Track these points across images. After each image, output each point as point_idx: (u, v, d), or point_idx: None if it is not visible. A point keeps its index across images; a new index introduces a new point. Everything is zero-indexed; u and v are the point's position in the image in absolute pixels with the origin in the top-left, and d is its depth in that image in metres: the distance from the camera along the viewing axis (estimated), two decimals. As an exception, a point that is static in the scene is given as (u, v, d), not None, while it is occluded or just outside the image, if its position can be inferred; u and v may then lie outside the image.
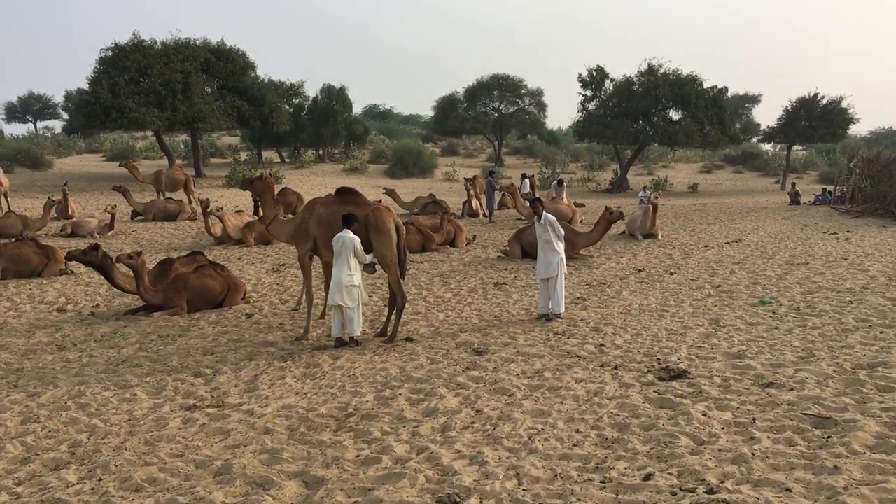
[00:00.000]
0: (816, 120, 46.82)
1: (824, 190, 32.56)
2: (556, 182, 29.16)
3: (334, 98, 53.95)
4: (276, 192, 12.34)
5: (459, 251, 18.40)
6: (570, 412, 6.60)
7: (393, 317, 9.99)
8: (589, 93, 46.10)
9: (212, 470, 5.66)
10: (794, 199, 31.75)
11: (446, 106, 62.55)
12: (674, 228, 22.51)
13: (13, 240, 16.66)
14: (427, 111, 78.75)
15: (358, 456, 5.82)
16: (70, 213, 23.66)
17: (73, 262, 15.62)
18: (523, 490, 5.06)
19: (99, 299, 13.19)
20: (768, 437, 5.68)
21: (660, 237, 19.85)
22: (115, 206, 21.88)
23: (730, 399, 6.67)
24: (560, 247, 10.91)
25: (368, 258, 9.50)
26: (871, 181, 27.35)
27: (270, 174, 11.75)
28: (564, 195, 26.70)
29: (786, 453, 5.35)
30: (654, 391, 7.06)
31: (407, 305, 10.29)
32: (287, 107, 50.00)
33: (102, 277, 12.47)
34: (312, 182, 40.06)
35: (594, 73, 45.67)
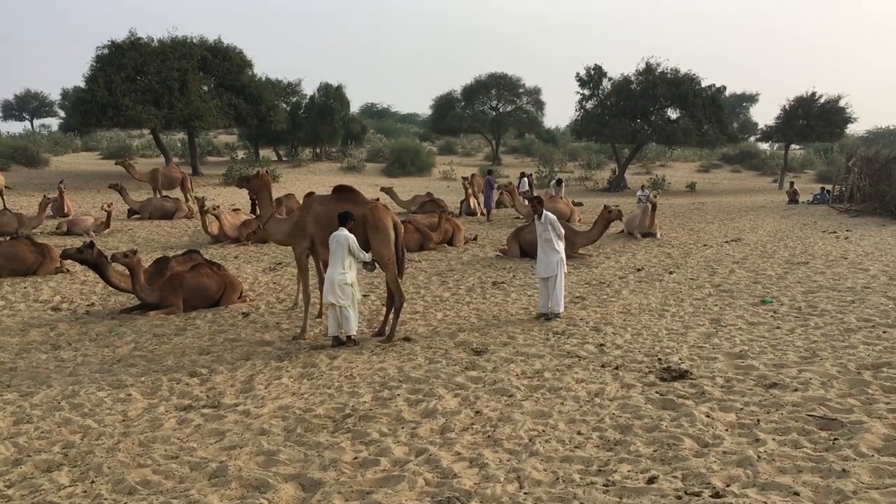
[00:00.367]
0: (814, 119, 46.76)
1: (823, 189, 32.49)
2: (555, 181, 29.13)
3: (332, 97, 53.83)
4: (276, 196, 12.23)
5: (457, 250, 18.30)
6: (571, 413, 6.50)
7: (391, 316, 9.88)
8: (587, 92, 46.01)
9: (207, 472, 5.55)
10: (793, 198, 31.70)
11: (444, 105, 62.46)
12: (672, 227, 22.43)
13: (8, 238, 16.53)
14: (424, 110, 78.81)
15: (356, 458, 5.72)
16: (66, 211, 23.52)
17: (69, 261, 15.55)
18: (525, 493, 4.96)
19: (94, 298, 13.07)
20: (773, 439, 5.59)
21: (658, 236, 19.78)
22: (112, 203, 21.74)
23: (733, 400, 6.57)
24: (560, 246, 10.81)
25: (367, 256, 9.40)
26: (869, 180, 27.28)
27: (267, 172, 11.61)
28: (563, 194, 26.62)
29: (792, 456, 5.26)
30: (656, 392, 6.96)
31: (405, 305, 10.18)
32: (284, 105, 49.92)
33: (97, 276, 12.34)
34: (310, 181, 39.92)
35: (592, 72, 45.58)
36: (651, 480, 4.98)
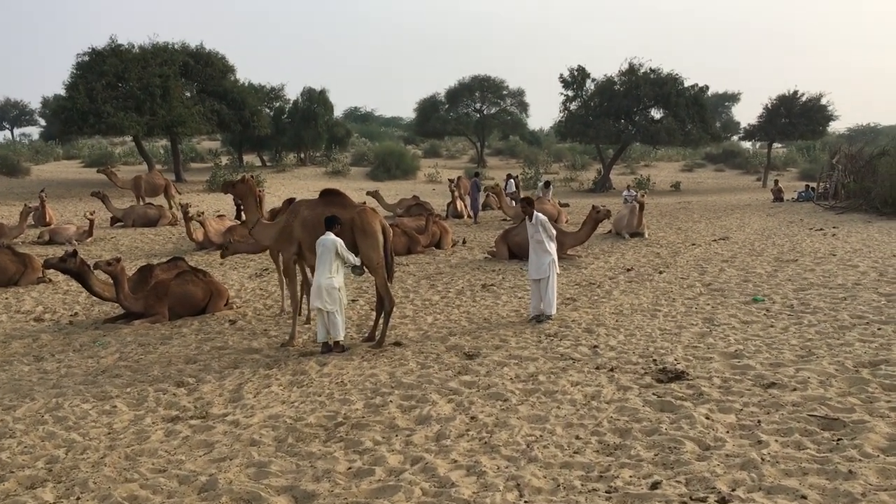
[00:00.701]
0: (796, 117, 47.10)
1: (807, 186, 32.62)
2: (542, 184, 29.10)
3: (315, 101, 53.57)
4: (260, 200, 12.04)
5: (445, 253, 18.18)
6: (568, 417, 6.38)
7: (381, 321, 9.74)
8: (570, 93, 46.03)
9: (196, 486, 5.39)
10: (778, 196, 31.83)
11: (428, 108, 62.37)
12: (660, 227, 22.41)
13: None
14: (408, 113, 78.62)
15: (350, 468, 5.57)
16: (47, 220, 23.22)
17: (51, 270, 15.30)
18: (525, 502, 4.83)
19: (77, 308, 12.85)
20: (776, 441, 5.48)
21: (646, 236, 19.74)
22: (94, 212, 21.48)
23: (732, 401, 6.47)
24: (552, 247, 10.70)
25: (356, 259, 9.23)
26: (854, 177, 27.39)
27: (252, 177, 11.44)
28: (550, 196, 26.57)
29: (796, 458, 5.15)
30: (654, 393, 6.85)
31: (394, 309, 10.04)
32: (268, 110, 49.63)
33: (80, 286, 12.12)
34: (294, 186, 39.70)
35: (575, 73, 45.61)
36: (654, 486, 4.86)
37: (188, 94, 40.10)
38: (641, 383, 7.22)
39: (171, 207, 25.96)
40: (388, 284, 9.59)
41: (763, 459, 5.14)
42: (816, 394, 6.47)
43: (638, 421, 6.15)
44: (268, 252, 12.70)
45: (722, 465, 5.09)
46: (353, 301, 12.55)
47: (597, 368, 7.87)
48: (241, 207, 17.67)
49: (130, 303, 11.58)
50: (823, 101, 47.49)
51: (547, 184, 28.49)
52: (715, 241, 18.62)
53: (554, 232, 10.97)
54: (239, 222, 20.22)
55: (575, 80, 45.63)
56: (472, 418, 6.51)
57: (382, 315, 9.69)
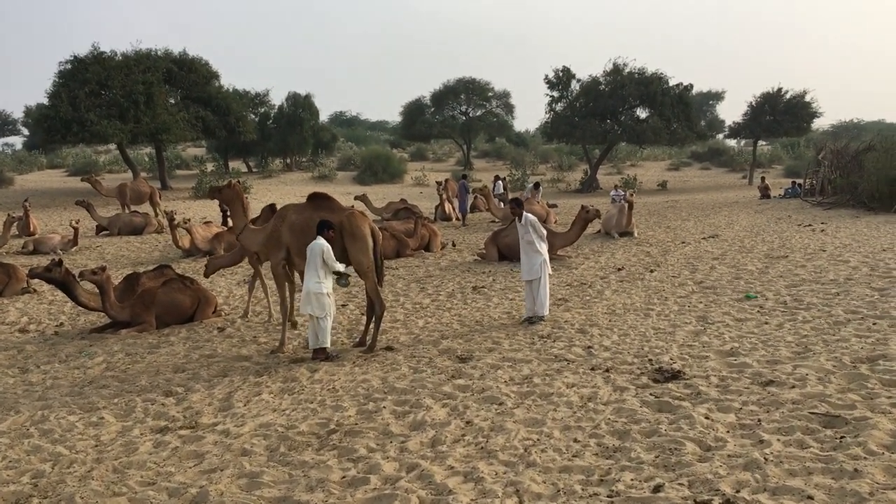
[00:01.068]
0: (781, 114, 47.26)
1: (794, 183, 32.72)
2: (531, 185, 29.03)
3: (300, 106, 53.39)
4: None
5: (434, 256, 18.06)
6: (565, 420, 6.27)
7: (372, 325, 9.61)
8: (556, 94, 46.00)
9: (186, 498, 5.24)
10: (765, 193, 31.87)
11: (413, 111, 62.30)
12: (649, 226, 22.37)
13: (-29, 259, 15.98)
14: (394, 117, 78.54)
15: (344, 477, 5.44)
16: (32, 229, 22.91)
17: (36, 280, 15.07)
18: (525, 508, 4.72)
19: (63, 318, 12.64)
20: (778, 440, 5.39)
21: (636, 235, 19.69)
22: (79, 220, 21.24)
23: (731, 400, 6.38)
24: (543, 247, 10.61)
25: (340, 266, 9.04)
26: (840, 172, 27.45)
27: (239, 182, 11.29)
28: (539, 198, 26.50)
29: (800, 457, 5.06)
30: (651, 394, 6.76)
31: (385, 313, 9.92)
32: (253, 116, 49.39)
33: (66, 295, 11.92)
34: (281, 191, 39.48)
35: (560, 74, 45.60)
36: (657, 489, 4.76)
37: (172, 101, 39.79)
38: (638, 384, 7.13)
39: (156, 215, 25.71)
40: (379, 288, 9.47)
41: (766, 459, 5.05)
42: (816, 391, 6.40)
43: (636, 422, 6.05)
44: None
45: (724, 466, 5.00)
46: (343, 306, 12.42)
47: (592, 369, 7.78)
48: (228, 213, 17.46)
49: (117, 312, 11.40)
50: (807, 98, 47.69)
51: (536, 185, 28.45)
52: (704, 238, 18.59)
53: (544, 232, 10.89)
54: (226, 228, 20.04)
55: (560, 80, 45.61)
56: (468, 423, 6.40)
57: (373, 320, 9.56)
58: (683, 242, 18.10)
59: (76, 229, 20.40)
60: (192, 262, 17.93)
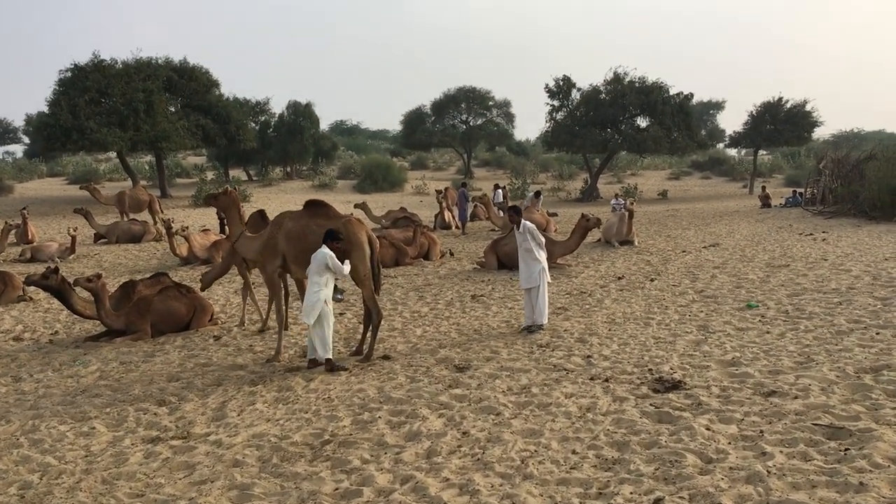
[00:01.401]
0: (781, 124, 47.22)
1: (795, 192, 32.66)
2: (532, 194, 28.93)
3: (301, 114, 53.42)
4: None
5: (434, 264, 17.96)
6: (563, 431, 6.14)
7: (368, 334, 9.49)
8: (556, 103, 46.00)
9: (175, 511, 5.13)
10: (765, 202, 31.81)
11: (414, 120, 62.35)
12: (649, 235, 22.27)
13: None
14: (395, 126, 78.62)
15: (337, 489, 5.31)
16: (30, 237, 22.84)
17: (32, 288, 14.96)
18: (521, 521, 4.60)
19: (58, 326, 12.53)
20: (781, 452, 5.26)
21: (636, 244, 19.59)
22: (76, 228, 21.14)
23: (732, 410, 6.25)
24: (542, 255, 10.50)
25: (346, 270, 8.88)
26: (841, 181, 27.39)
27: (236, 189, 11.18)
28: (539, 206, 26.43)
29: (803, 469, 4.93)
30: (651, 404, 6.63)
31: (382, 322, 9.80)
32: (253, 124, 49.37)
33: (62, 303, 11.82)
34: (281, 199, 39.44)
35: (561, 83, 45.61)
36: (657, 502, 4.64)
37: (172, 109, 39.78)
38: (638, 394, 7.00)
39: (155, 223, 25.64)
40: (376, 297, 9.35)
41: (769, 472, 4.92)
42: (819, 401, 6.28)
43: (636, 433, 5.93)
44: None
45: (726, 479, 4.88)
46: (340, 314, 12.30)
47: (591, 379, 7.66)
48: (225, 220, 17.38)
49: (112, 320, 11.29)
50: (808, 108, 47.66)
51: (537, 194, 28.37)
52: (705, 247, 18.48)
53: (543, 240, 10.78)
54: (224, 236, 19.93)
55: (560, 90, 45.63)
56: (464, 433, 6.28)
57: (370, 328, 9.44)
58: (684, 251, 18.00)
59: (74, 237, 20.32)
60: (189, 270, 17.83)
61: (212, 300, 13.23)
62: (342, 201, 35.95)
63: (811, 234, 19.69)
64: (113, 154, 46.16)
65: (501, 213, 23.47)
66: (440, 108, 61.96)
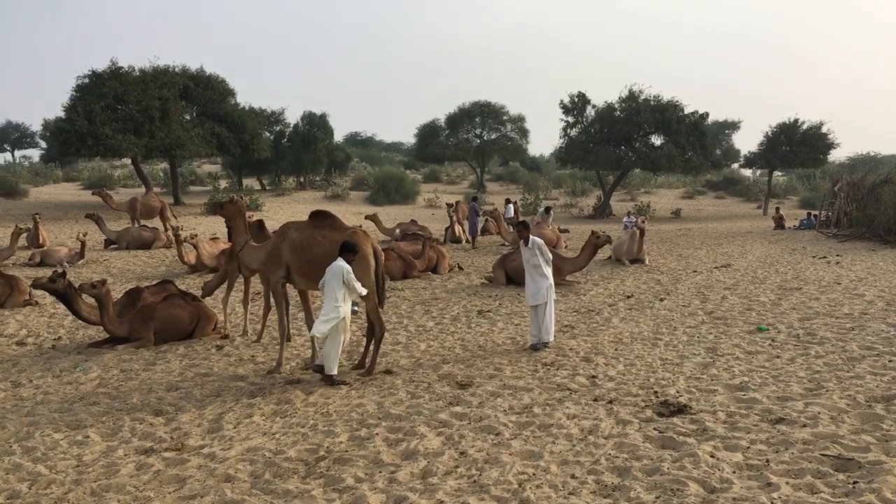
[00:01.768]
0: (797, 145, 46.87)
1: (809, 214, 32.38)
2: (543, 209, 28.80)
3: (315, 125, 53.60)
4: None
5: (442, 278, 17.83)
6: (563, 454, 5.99)
7: (371, 347, 9.36)
8: (571, 119, 45.99)
9: (162, 526, 5.01)
10: (779, 223, 31.54)
11: (428, 133, 62.40)
12: (660, 253, 22.07)
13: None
14: (409, 138, 78.73)
15: (328, 508, 5.18)
16: (41, 241, 22.90)
17: (39, 292, 14.94)
18: (515, 548, 4.45)
19: (62, 331, 12.47)
20: (787, 483, 5.09)
21: (647, 262, 19.39)
22: (86, 233, 21.15)
23: (738, 438, 6.08)
24: (549, 271, 10.36)
25: (363, 290, 8.70)
26: (857, 205, 27.13)
27: (242, 198, 11.11)
28: (550, 222, 26.28)
29: (809, 502, 4.76)
30: (655, 428, 6.47)
31: (386, 335, 9.67)
32: (268, 134, 49.51)
33: (67, 308, 11.76)
34: (293, 209, 39.43)
35: (576, 100, 45.61)
36: (655, 533, 4.48)
37: (187, 117, 39.96)
38: (642, 417, 6.84)
39: (166, 230, 25.65)
40: (380, 310, 9.23)
41: (774, 504, 4.75)
42: (828, 431, 6.09)
43: (638, 459, 5.77)
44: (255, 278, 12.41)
45: (729, 510, 4.71)
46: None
47: (595, 400, 7.49)
48: (230, 229, 17.39)
49: (115, 326, 11.22)
50: (824, 130, 47.32)
51: (547, 209, 28.22)
52: (716, 268, 18.28)
53: (550, 256, 10.65)
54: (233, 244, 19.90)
55: (575, 106, 45.61)
56: (462, 453, 6.13)
57: (373, 342, 9.31)
58: (695, 271, 17.80)
59: (83, 242, 20.33)
60: (197, 277, 17.78)
61: (217, 309, 13.15)
62: (354, 212, 35.97)
63: (825, 258, 19.45)
64: (128, 160, 46.34)
65: (512, 229, 23.33)
66: (454, 122, 62.01)
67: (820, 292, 13.75)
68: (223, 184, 51.15)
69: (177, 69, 40.26)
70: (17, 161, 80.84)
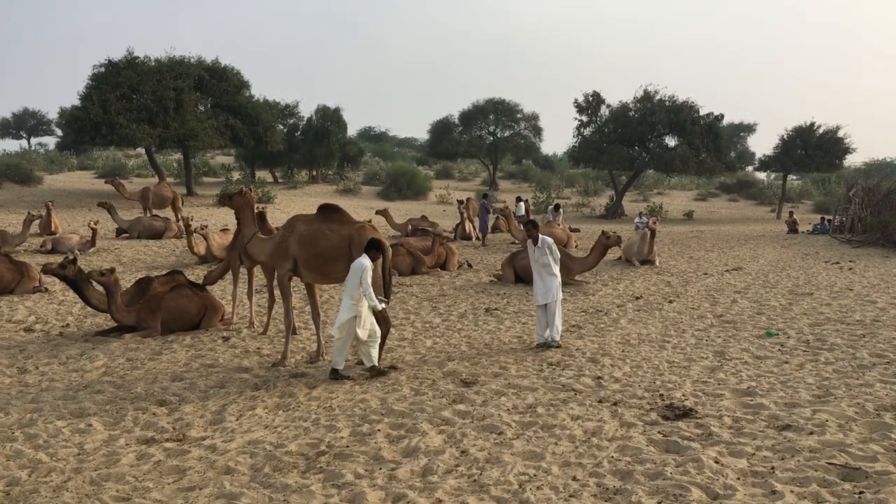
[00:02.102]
0: (813, 149, 46.48)
1: (823, 219, 32.13)
2: (552, 207, 28.68)
3: (329, 119, 53.54)
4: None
5: (450, 274, 17.78)
6: (565, 455, 5.93)
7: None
8: (585, 118, 45.75)
9: (159, 518, 4.98)
10: (793, 227, 31.32)
11: (441, 129, 62.24)
12: (671, 255, 21.94)
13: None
14: (423, 134, 78.61)
15: (325, 504, 5.15)
16: (53, 229, 23.00)
17: (49, 278, 14.98)
18: (513, 550, 4.40)
19: (70, 319, 12.50)
20: (792, 492, 5.01)
21: (657, 264, 19.28)
22: (97, 222, 21.21)
23: (744, 444, 6.00)
24: (558, 270, 10.30)
25: (375, 301, 8.55)
26: (871, 211, 26.88)
27: (251, 190, 11.09)
28: (560, 220, 26.17)
29: (814, 512, 4.69)
30: (659, 432, 6.40)
31: (392, 331, 9.62)
32: (281, 127, 49.52)
33: (77, 295, 11.78)
34: (305, 202, 39.45)
35: (590, 99, 45.37)
36: (656, 538, 4.42)
37: (202, 108, 40.00)
38: (646, 420, 6.77)
39: (178, 220, 25.71)
40: (386, 305, 9.18)
41: (777, 513, 4.68)
42: (835, 439, 6.01)
43: (641, 462, 5.70)
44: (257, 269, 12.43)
45: (731, 518, 4.64)
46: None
47: (599, 402, 7.43)
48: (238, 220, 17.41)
49: (122, 315, 11.23)
50: (840, 134, 46.93)
51: (557, 206, 28.10)
52: (727, 271, 18.15)
53: (559, 255, 10.57)
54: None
55: (590, 105, 45.38)
56: (463, 452, 6.08)
57: (379, 337, 9.26)
58: (705, 274, 17.67)
59: (94, 231, 20.39)
60: (206, 268, 17.78)
61: (225, 300, 13.16)
62: (366, 207, 35.95)
63: (837, 263, 19.28)
64: (142, 150, 46.51)
65: (522, 227, 23.26)
66: (468, 119, 61.84)
67: (832, 298, 13.62)
68: (236, 176, 51.29)
69: (192, 60, 40.29)
70: (33, 148, 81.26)
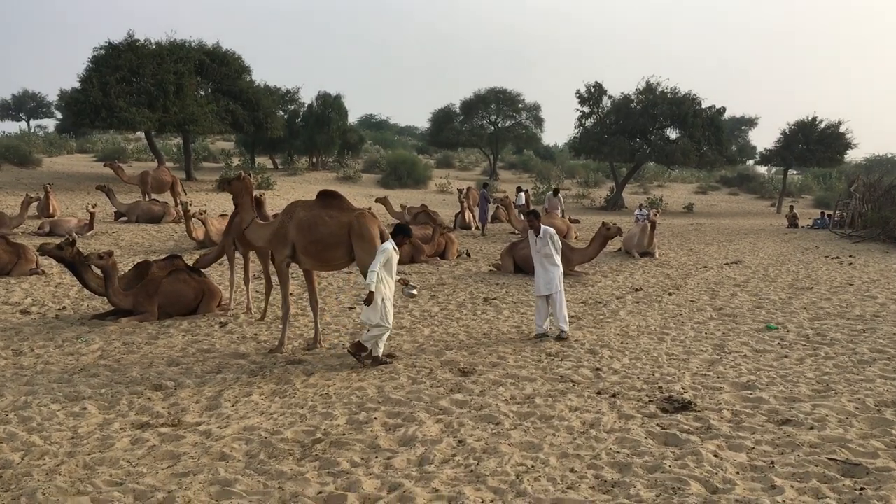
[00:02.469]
0: (814, 144, 46.33)
1: (823, 214, 32.08)
2: (550, 192, 28.21)
3: (330, 106, 53.30)
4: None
5: (449, 263, 17.72)
6: (563, 446, 5.88)
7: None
8: (586, 109, 45.62)
9: (152, 503, 4.93)
10: (793, 222, 31.28)
11: (442, 118, 62.07)
12: (671, 248, 21.88)
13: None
14: (424, 123, 78.42)
15: (320, 492, 5.08)
16: (51, 211, 22.92)
17: (46, 262, 14.93)
18: (509, 542, 4.35)
19: (67, 301, 12.44)
20: (791, 486, 4.97)
21: (657, 256, 19.22)
22: (95, 205, 21.13)
23: (743, 437, 5.95)
24: (560, 260, 10.24)
25: (373, 278, 8.37)
26: (872, 206, 26.84)
27: (250, 175, 11.01)
28: (560, 207, 25.93)
29: (814, 507, 4.65)
30: (658, 424, 6.35)
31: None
32: (282, 113, 49.32)
33: (74, 277, 11.72)
34: (304, 189, 39.32)
35: (592, 90, 45.22)
36: (654, 532, 4.37)
37: (202, 93, 39.80)
38: (645, 412, 6.72)
39: (176, 205, 25.63)
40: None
41: (777, 507, 4.63)
42: (835, 434, 5.96)
43: (639, 455, 5.65)
44: (251, 255, 12.38)
45: (731, 512, 4.60)
46: (349, 308, 12.13)
47: (598, 393, 7.38)
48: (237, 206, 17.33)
49: (119, 299, 11.18)
50: (842, 129, 46.76)
51: (556, 191, 27.59)
52: (727, 264, 18.10)
53: (560, 245, 10.50)
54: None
55: (591, 96, 45.23)
56: (460, 442, 6.03)
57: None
58: (705, 267, 17.62)
59: (92, 214, 20.33)
60: (205, 253, 17.71)
61: (223, 286, 13.10)
62: (365, 195, 35.85)
63: (838, 258, 19.24)
64: (141, 134, 46.30)
65: (522, 217, 23.15)
66: (469, 108, 61.65)
67: (832, 293, 13.57)
68: (236, 161, 51.08)
69: (193, 44, 40.06)
70: (33, 130, 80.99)
